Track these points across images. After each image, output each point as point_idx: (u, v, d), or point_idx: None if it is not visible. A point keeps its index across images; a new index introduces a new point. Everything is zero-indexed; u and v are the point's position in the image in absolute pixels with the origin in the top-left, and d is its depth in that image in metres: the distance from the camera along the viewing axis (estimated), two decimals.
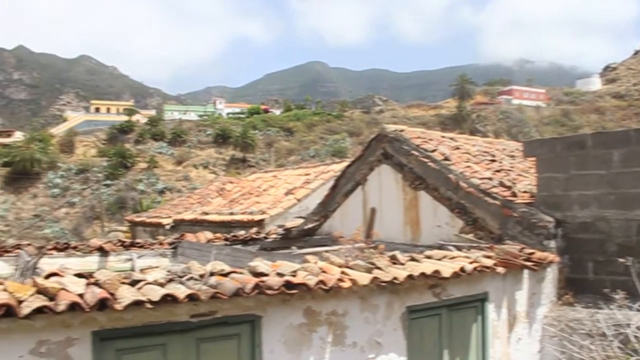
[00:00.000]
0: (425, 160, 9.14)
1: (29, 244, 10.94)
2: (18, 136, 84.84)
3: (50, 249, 10.54)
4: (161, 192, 67.92)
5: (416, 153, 9.32)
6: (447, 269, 6.33)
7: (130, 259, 10.98)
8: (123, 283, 4.65)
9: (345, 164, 12.79)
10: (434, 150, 9.29)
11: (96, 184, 47.30)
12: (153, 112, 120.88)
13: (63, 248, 10.70)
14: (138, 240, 11.94)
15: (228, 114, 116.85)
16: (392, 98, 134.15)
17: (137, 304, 4.45)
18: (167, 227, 17.50)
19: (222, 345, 5.28)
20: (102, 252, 10.81)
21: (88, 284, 4.56)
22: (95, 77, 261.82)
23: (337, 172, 13.07)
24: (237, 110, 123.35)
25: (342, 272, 5.72)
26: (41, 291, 4.33)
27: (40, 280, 4.42)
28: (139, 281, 4.73)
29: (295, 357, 5.54)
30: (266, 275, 5.26)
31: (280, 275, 5.30)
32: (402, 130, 10.12)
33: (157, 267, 10.88)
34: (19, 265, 8.17)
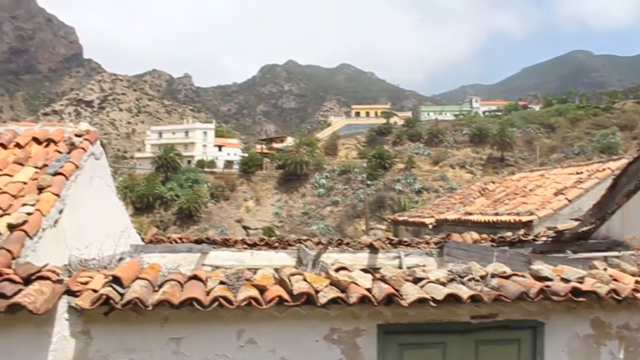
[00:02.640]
0: None
1: (307, 239, 11.98)
2: (289, 141, 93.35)
3: (327, 245, 11.36)
4: (418, 191, 69.12)
5: None
6: None
7: (398, 257, 11.27)
8: (407, 280, 4.79)
9: (625, 161, 11.58)
10: None
11: (361, 184, 49.80)
12: (409, 114, 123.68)
13: (337, 244, 11.44)
14: (405, 239, 12.23)
15: (484, 112, 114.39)
16: None
17: (421, 301, 4.56)
18: (430, 226, 17.70)
19: (502, 350, 5.14)
20: (372, 249, 11.27)
21: (374, 280, 4.80)
22: (355, 84, 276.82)
23: (615, 171, 11.89)
24: (494, 107, 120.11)
25: (637, 282, 5.16)
26: (334, 283, 4.68)
27: (332, 273, 4.76)
28: (421, 279, 4.83)
29: None
30: (550, 280, 4.98)
31: (565, 280, 4.98)
32: None
33: (423, 265, 11.08)
34: (306, 259, 8.92)
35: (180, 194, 71.54)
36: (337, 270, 4.98)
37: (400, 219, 22.72)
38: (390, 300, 4.58)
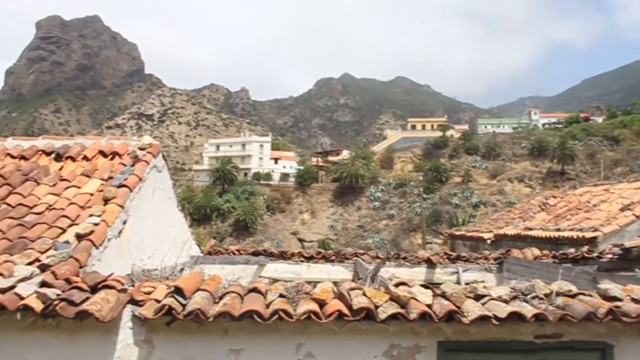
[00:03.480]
0: None
1: (364, 253, 11.93)
2: (345, 154, 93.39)
3: (384, 259, 11.28)
4: (475, 205, 67.83)
5: None
6: None
7: (456, 272, 11.09)
8: (468, 297, 4.69)
9: None
10: None
11: (417, 197, 49.32)
12: (466, 127, 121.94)
13: (394, 258, 11.34)
14: (463, 254, 12.02)
15: (544, 124, 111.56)
16: None
17: (483, 319, 4.46)
18: (488, 241, 17.34)
19: None
20: (430, 263, 11.13)
21: (435, 296, 4.73)
22: (410, 96, 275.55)
23: None
24: (554, 120, 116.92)
25: None
26: (394, 299, 4.63)
27: (392, 288, 4.72)
28: (483, 296, 4.73)
29: None
30: (620, 300, 4.78)
31: (636, 301, 4.77)
32: None
33: (482, 281, 10.86)
34: (363, 272, 8.88)
35: (236, 206, 72.47)
36: (396, 285, 4.93)
37: (458, 233, 22.36)
38: (451, 317, 4.50)
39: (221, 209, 73.22)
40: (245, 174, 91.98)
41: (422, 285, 4.93)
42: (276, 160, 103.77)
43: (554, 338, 4.77)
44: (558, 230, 14.15)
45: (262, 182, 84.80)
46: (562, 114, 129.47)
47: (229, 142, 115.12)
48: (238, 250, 11.13)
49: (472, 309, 4.49)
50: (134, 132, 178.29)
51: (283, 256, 10.92)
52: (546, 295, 4.79)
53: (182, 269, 6.61)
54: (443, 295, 4.70)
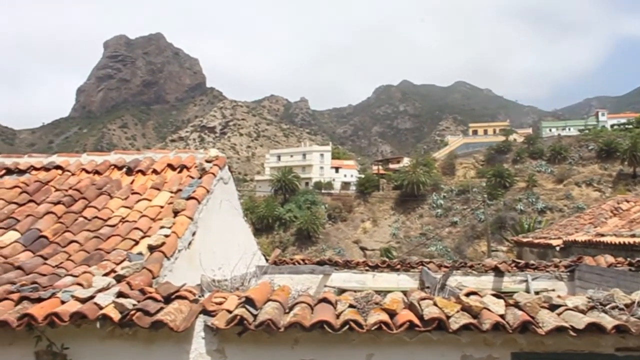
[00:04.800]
0: None
1: (430, 262, 11.78)
2: (405, 162, 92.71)
3: (447, 267, 11.11)
4: (541, 211, 65.91)
5: None
6: None
7: (525, 280, 10.82)
8: (542, 307, 4.56)
9: None
10: None
11: (482, 204, 48.37)
12: (529, 130, 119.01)
13: (460, 267, 11.16)
14: (531, 262, 11.70)
15: (612, 125, 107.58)
16: None
17: (560, 330, 4.32)
18: (557, 248, 16.80)
19: None
20: (497, 272, 10.89)
21: (508, 305, 4.62)
22: (471, 101, 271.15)
23: None
24: (623, 120, 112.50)
25: None
26: (465, 309, 4.55)
27: (463, 298, 4.64)
28: (558, 306, 4.59)
29: None
30: None
31: None
32: None
33: (553, 290, 10.54)
34: (429, 281, 8.77)
35: (298, 215, 73.01)
36: (467, 294, 4.85)
37: (525, 240, 21.76)
38: (525, 327, 4.39)
39: (283, 219, 73.91)
40: (307, 184, 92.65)
41: (493, 295, 4.82)
42: (337, 169, 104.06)
43: (637, 351, 4.56)
44: (633, 236, 13.58)
45: (323, 191, 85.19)
46: (632, 113, 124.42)
47: (289, 152, 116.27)
48: (303, 260, 11.19)
49: (548, 320, 4.36)
50: (196, 145, 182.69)
51: (348, 265, 10.92)
52: (627, 306, 4.60)
53: (250, 279, 6.70)
54: (516, 305, 4.59)
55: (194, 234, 7.24)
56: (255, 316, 4.58)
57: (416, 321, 4.44)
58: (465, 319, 4.40)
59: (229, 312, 4.69)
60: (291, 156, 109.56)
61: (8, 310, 4.94)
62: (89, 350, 4.99)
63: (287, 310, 4.74)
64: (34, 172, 9.17)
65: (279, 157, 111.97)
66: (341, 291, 8.98)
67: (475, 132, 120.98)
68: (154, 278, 5.98)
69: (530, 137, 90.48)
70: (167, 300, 4.95)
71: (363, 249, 67.13)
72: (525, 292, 8.90)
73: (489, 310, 4.50)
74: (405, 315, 4.49)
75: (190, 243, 7.11)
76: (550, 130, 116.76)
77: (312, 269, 10.35)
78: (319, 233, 71.26)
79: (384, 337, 4.51)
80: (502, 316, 4.46)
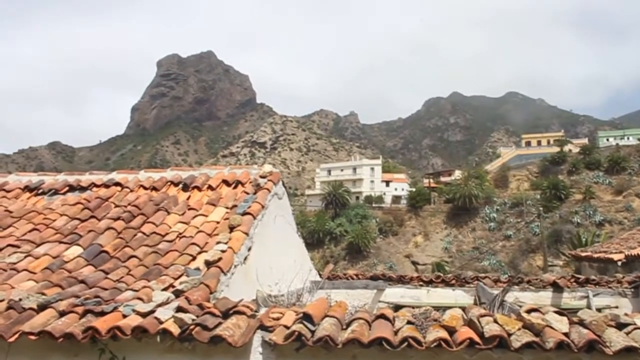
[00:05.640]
0: None
1: (485, 277, 11.55)
2: (457, 175, 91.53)
3: (504, 282, 10.88)
4: (600, 224, 63.86)
5: None
6: None
7: (586, 297, 10.48)
8: (609, 325, 4.40)
9: None
10: None
11: (537, 217, 47.19)
12: (585, 141, 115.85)
13: (517, 282, 10.90)
14: (592, 277, 11.33)
15: None
16: None
17: (629, 350, 4.16)
18: (619, 263, 16.21)
19: None
20: (556, 287, 10.59)
21: (572, 323, 4.48)
22: (523, 112, 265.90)
23: None
24: None
25: None
26: (527, 326, 4.43)
27: (524, 315, 4.52)
28: (626, 324, 4.41)
29: None
30: None
31: None
32: None
33: (616, 307, 10.17)
34: (484, 297, 8.60)
35: (349, 230, 72.87)
36: (528, 311, 4.72)
37: (583, 254, 21.09)
38: (591, 347, 4.24)
39: (334, 233, 73.90)
40: (357, 198, 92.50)
41: (556, 312, 4.69)
42: (387, 182, 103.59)
43: None
44: None
45: (374, 205, 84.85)
46: None
47: (340, 166, 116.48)
48: (356, 275, 11.16)
49: (616, 339, 4.20)
50: (247, 160, 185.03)
51: (402, 280, 10.82)
52: None
53: (305, 295, 6.71)
54: (581, 323, 4.44)
55: (249, 249, 7.31)
56: (313, 332, 4.58)
57: (476, 339, 4.34)
58: (528, 337, 4.28)
59: (287, 327, 4.71)
60: (341, 170, 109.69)
61: (73, 322, 5.09)
62: None
63: (344, 327, 4.72)
64: (94, 188, 9.47)
65: (329, 171, 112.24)
66: (396, 307, 8.88)
67: (528, 144, 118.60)
68: (211, 293, 6.06)
69: (586, 147, 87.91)
70: (225, 315, 5.01)
71: (414, 263, 66.38)
72: (586, 308, 8.63)
73: (552, 328, 4.37)
74: (465, 332, 4.40)
75: (245, 258, 7.18)
76: (607, 139, 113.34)
77: (366, 284, 10.30)
78: (370, 247, 70.91)
79: (444, 354, 4.43)
80: (566, 334, 4.32)
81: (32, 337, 5.01)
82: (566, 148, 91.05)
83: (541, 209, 48.53)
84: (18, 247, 7.55)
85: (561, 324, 4.43)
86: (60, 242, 7.60)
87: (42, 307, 5.39)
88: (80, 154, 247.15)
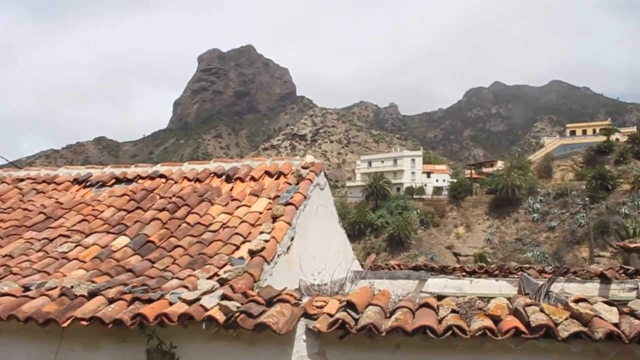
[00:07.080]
0: None
1: (530, 267, 11.39)
2: (499, 165, 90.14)
3: (549, 273, 10.69)
4: None
5: None
6: None
7: (635, 288, 10.22)
8: None
9: None
10: None
11: (583, 208, 46.17)
12: (633, 129, 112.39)
13: (563, 272, 10.70)
14: None
15: None
16: None
17: None
18: None
19: None
20: (604, 278, 10.36)
21: (622, 314, 4.38)
22: (568, 101, 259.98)
23: None
24: None
25: None
26: (575, 316, 4.36)
27: (572, 305, 4.44)
28: None
29: None
30: None
31: None
32: None
33: None
34: (529, 288, 8.47)
35: (390, 221, 72.63)
36: (576, 301, 4.64)
37: (632, 245, 20.53)
38: None
39: (375, 224, 73.79)
40: (398, 189, 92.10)
41: (605, 302, 4.59)
42: (428, 174, 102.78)
43: None
44: None
45: (415, 196, 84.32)
46: None
47: (380, 157, 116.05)
48: (398, 265, 11.14)
49: None
50: (288, 153, 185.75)
51: (444, 271, 10.74)
52: None
53: (348, 284, 6.73)
54: (632, 314, 4.33)
55: (292, 239, 7.37)
56: (356, 320, 4.60)
57: (522, 328, 4.29)
58: (575, 326, 4.20)
59: (330, 315, 4.73)
60: (382, 162, 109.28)
61: (122, 309, 5.23)
62: (195, 350, 5.19)
63: (388, 315, 4.72)
64: (140, 180, 9.69)
65: (369, 163, 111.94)
66: (439, 297, 8.84)
67: (573, 133, 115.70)
68: (255, 282, 6.13)
69: (634, 136, 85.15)
70: (269, 303, 5.06)
71: (456, 254, 65.80)
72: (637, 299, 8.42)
73: (601, 318, 4.28)
74: (511, 321, 4.35)
75: (288, 248, 7.24)
76: None
77: (408, 275, 10.27)
78: (411, 238, 70.56)
79: (488, 343, 4.39)
80: (616, 325, 4.23)
81: (84, 323, 5.17)
82: (613, 137, 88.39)
83: (587, 199, 47.42)
84: (69, 237, 7.79)
85: (611, 314, 4.34)
86: (108, 233, 7.82)
87: (92, 294, 5.56)
88: (124, 148, 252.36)
